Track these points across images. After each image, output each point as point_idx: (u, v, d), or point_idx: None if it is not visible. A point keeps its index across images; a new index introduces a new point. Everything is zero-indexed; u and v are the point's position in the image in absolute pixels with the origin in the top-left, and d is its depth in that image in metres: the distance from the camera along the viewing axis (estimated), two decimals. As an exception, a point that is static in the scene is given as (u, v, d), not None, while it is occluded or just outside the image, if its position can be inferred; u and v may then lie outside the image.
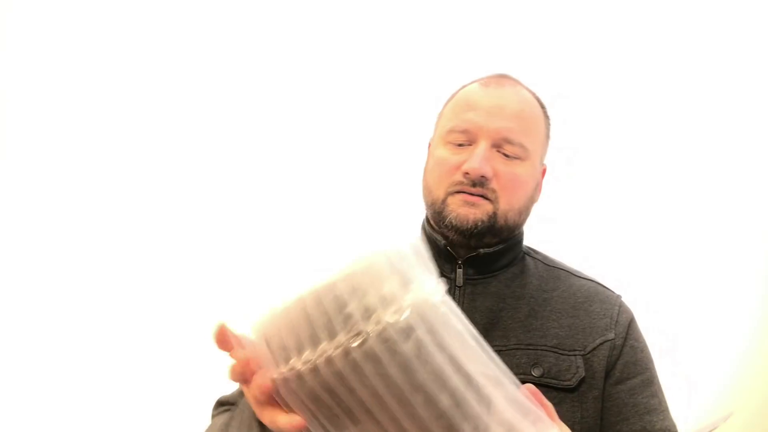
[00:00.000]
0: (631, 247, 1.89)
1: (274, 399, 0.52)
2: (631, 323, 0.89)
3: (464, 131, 0.84)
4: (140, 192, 1.79)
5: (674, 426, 0.85)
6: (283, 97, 1.86)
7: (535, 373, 0.81)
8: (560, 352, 0.83)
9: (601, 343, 0.84)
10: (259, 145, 1.84)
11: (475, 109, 0.84)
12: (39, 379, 1.71)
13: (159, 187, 1.80)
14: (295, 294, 0.50)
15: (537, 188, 0.91)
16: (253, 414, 0.61)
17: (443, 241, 0.87)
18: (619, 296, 0.93)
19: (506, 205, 0.84)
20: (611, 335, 0.85)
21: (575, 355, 0.83)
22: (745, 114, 1.91)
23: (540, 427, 0.54)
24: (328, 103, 1.86)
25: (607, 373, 0.84)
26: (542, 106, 0.91)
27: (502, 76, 0.90)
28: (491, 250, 0.87)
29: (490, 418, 0.51)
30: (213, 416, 0.84)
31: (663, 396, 0.87)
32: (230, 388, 0.87)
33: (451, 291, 0.87)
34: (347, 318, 0.48)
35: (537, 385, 0.79)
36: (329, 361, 0.48)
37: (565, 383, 0.81)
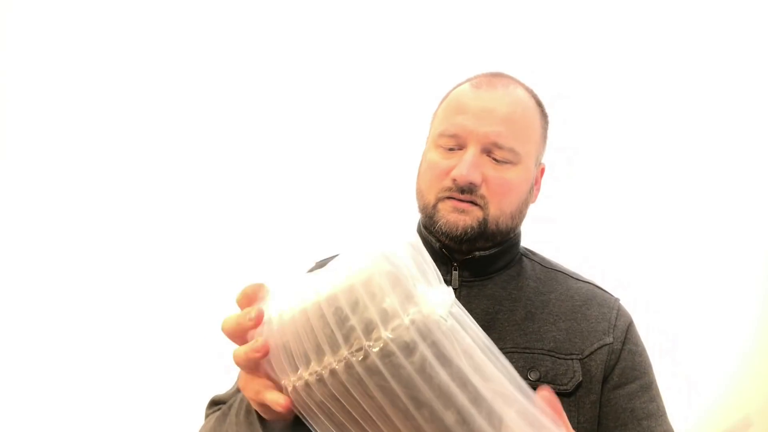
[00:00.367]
0: (631, 247, 1.88)
1: (262, 370, 0.53)
2: (629, 327, 0.88)
3: (453, 135, 0.83)
4: (140, 192, 1.79)
5: (671, 430, 0.84)
6: (283, 96, 1.86)
7: (532, 377, 0.80)
8: (557, 356, 0.82)
9: (598, 348, 0.83)
10: (260, 145, 1.84)
11: (465, 113, 0.82)
12: (39, 378, 1.71)
13: (159, 186, 1.79)
14: (300, 304, 0.50)
15: (532, 190, 0.90)
16: (250, 406, 0.62)
17: (438, 243, 0.86)
18: (617, 299, 0.91)
19: (497, 210, 0.83)
20: (609, 339, 0.84)
21: (572, 359, 0.82)
22: (745, 114, 1.90)
23: None
24: (328, 103, 1.86)
25: (605, 378, 0.83)
26: (539, 104, 0.89)
27: (495, 75, 0.87)
28: (486, 253, 0.86)
29: None
30: (206, 415, 0.84)
31: (661, 401, 0.86)
32: (226, 387, 0.87)
33: None
34: (349, 332, 0.48)
35: (533, 389, 0.79)
36: (333, 373, 0.49)
37: (562, 388, 0.80)
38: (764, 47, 1.89)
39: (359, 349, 0.48)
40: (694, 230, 1.90)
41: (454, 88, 0.90)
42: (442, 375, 0.49)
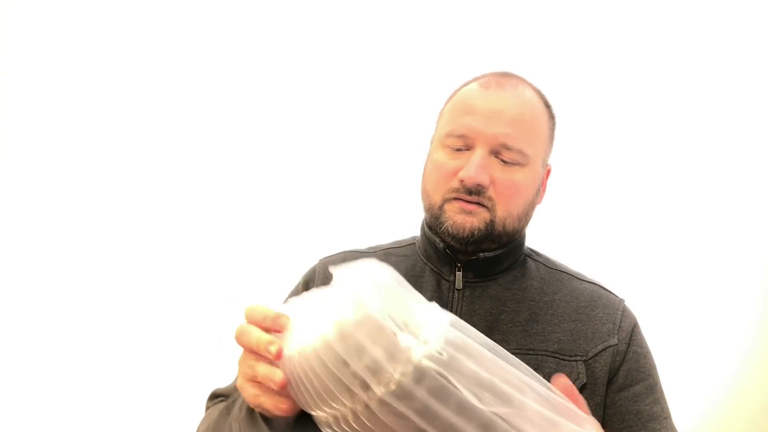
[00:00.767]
0: (631, 247, 1.89)
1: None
2: (634, 329, 0.87)
3: (461, 136, 0.82)
4: (140, 192, 1.78)
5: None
6: (284, 96, 1.85)
7: None
8: (561, 357, 0.82)
9: (603, 349, 0.83)
10: (260, 146, 1.84)
11: (473, 114, 0.81)
12: (39, 378, 1.70)
13: (159, 186, 1.79)
14: (310, 345, 0.52)
15: (539, 191, 0.89)
16: None
17: (442, 244, 0.85)
18: (622, 300, 0.91)
19: (504, 212, 0.82)
20: (614, 341, 0.84)
21: (576, 361, 0.82)
22: (745, 115, 1.90)
23: None
24: (331, 103, 1.86)
25: (610, 380, 0.83)
26: (547, 105, 0.88)
27: (504, 75, 0.86)
28: (491, 254, 0.85)
29: None
30: (207, 408, 0.83)
31: (665, 402, 0.85)
32: (225, 382, 0.87)
33: (450, 294, 0.86)
34: (347, 381, 0.51)
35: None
36: (344, 416, 0.52)
37: None
38: (763, 48, 1.89)
39: (357, 398, 0.51)
40: (694, 231, 1.90)
41: (461, 88, 0.89)
42: (445, 412, 0.50)
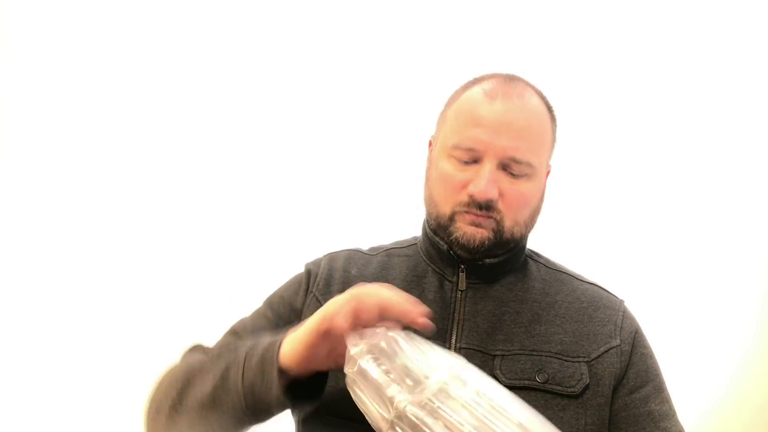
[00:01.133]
0: (631, 247, 1.89)
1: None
2: (637, 330, 0.89)
3: (470, 149, 0.81)
4: (140, 192, 1.78)
5: (684, 429, 0.85)
6: (281, 97, 1.85)
7: (540, 378, 0.81)
8: (564, 358, 0.83)
9: (606, 351, 0.84)
10: (260, 147, 1.84)
11: (481, 126, 0.80)
12: (39, 378, 1.70)
13: (159, 186, 1.79)
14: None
15: (543, 195, 0.90)
16: (269, 355, 0.71)
17: (446, 246, 0.86)
18: (622, 301, 0.92)
19: (512, 222, 0.83)
20: (616, 342, 0.85)
21: (579, 362, 0.83)
22: (745, 115, 1.90)
23: None
24: (327, 103, 1.86)
25: (619, 382, 0.84)
26: (549, 109, 0.88)
27: (509, 81, 0.85)
28: (496, 260, 0.86)
29: None
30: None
31: (671, 400, 0.87)
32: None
33: (453, 294, 0.87)
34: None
35: (541, 391, 0.79)
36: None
37: (570, 390, 0.80)
38: (763, 48, 1.89)
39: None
40: (694, 231, 1.90)
41: (464, 91, 0.87)
42: None
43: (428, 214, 0.88)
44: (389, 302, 0.69)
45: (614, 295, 0.93)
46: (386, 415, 0.61)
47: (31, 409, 1.68)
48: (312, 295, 0.89)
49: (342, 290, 0.86)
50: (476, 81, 0.88)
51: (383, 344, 0.65)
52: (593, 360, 0.83)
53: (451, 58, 1.84)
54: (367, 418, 0.65)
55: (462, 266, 0.87)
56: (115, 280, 1.71)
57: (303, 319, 0.73)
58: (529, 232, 0.89)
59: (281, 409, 0.72)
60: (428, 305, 0.84)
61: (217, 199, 1.80)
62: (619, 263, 1.84)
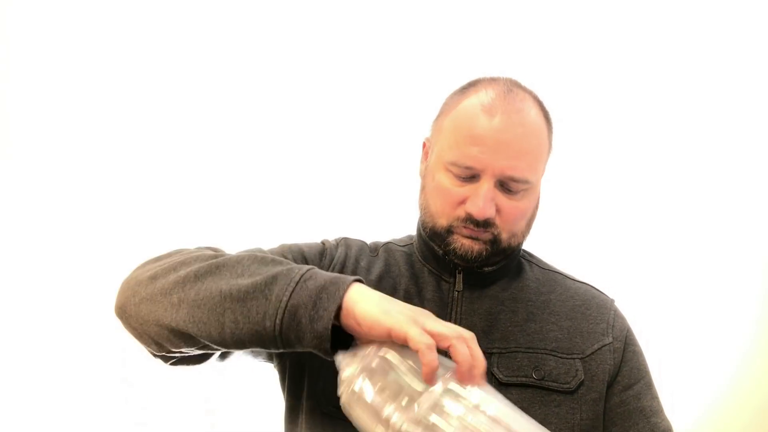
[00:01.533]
0: (631, 247, 1.89)
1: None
2: (629, 329, 0.92)
3: (468, 168, 0.81)
4: (140, 192, 1.79)
5: (670, 424, 0.89)
6: (283, 97, 1.86)
7: (536, 375, 0.82)
8: (559, 355, 0.85)
9: (599, 348, 0.87)
10: (259, 147, 1.84)
11: (479, 145, 0.80)
12: (39, 378, 1.71)
13: (158, 187, 1.80)
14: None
15: (538, 203, 0.91)
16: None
17: (441, 252, 0.87)
18: (613, 300, 0.94)
19: (508, 234, 0.84)
20: (609, 339, 0.88)
21: (574, 359, 0.85)
22: (745, 114, 1.91)
23: None
24: (325, 103, 1.86)
25: (613, 379, 0.87)
26: (547, 117, 0.87)
27: (507, 95, 0.83)
28: (493, 268, 0.88)
29: None
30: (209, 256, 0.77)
31: (659, 396, 0.90)
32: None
33: (450, 294, 0.88)
34: None
35: (537, 387, 0.81)
36: None
37: (565, 386, 0.83)
38: (762, 48, 1.90)
39: None
40: (694, 230, 1.91)
41: (461, 99, 0.86)
42: None
43: (424, 221, 0.88)
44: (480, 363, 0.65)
45: (605, 295, 0.95)
46: None
47: (31, 409, 1.69)
48: None
49: None
50: (473, 87, 0.86)
51: (375, 364, 0.65)
52: (587, 357, 0.85)
53: (446, 55, 1.84)
54: None
55: (459, 269, 0.88)
56: (115, 280, 1.72)
57: None
58: (525, 239, 0.90)
59: (304, 347, 0.68)
60: (426, 304, 0.86)
61: (216, 200, 1.81)
62: (620, 264, 1.85)
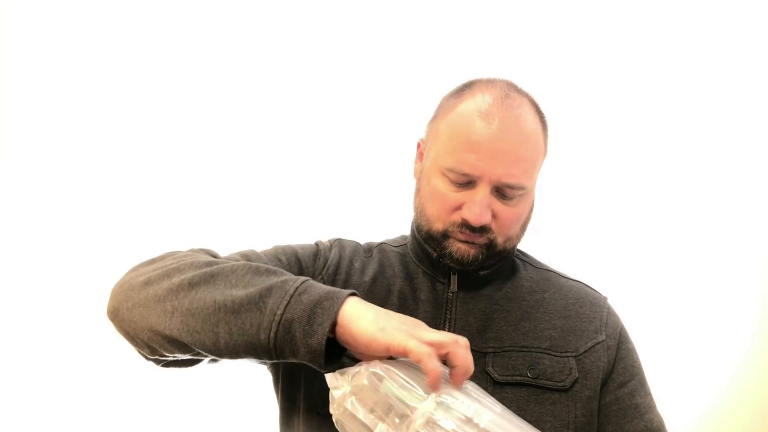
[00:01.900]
0: (632, 247, 1.89)
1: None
2: (622, 326, 0.92)
3: (464, 174, 0.81)
4: (137, 193, 1.80)
5: (663, 420, 0.89)
6: (274, 98, 1.86)
7: (531, 374, 0.82)
8: (554, 353, 0.85)
9: (593, 345, 0.87)
10: (254, 148, 1.84)
11: (476, 152, 0.79)
12: (39, 378, 1.71)
13: (154, 187, 1.80)
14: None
15: (533, 205, 0.91)
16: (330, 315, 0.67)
17: (436, 254, 0.87)
18: (605, 298, 0.94)
19: (504, 238, 0.85)
20: (602, 337, 0.88)
21: (568, 357, 0.85)
22: (745, 114, 1.91)
23: None
24: (319, 104, 1.86)
25: (608, 376, 0.87)
26: (543, 121, 0.87)
27: (504, 100, 0.82)
28: (488, 271, 0.88)
29: None
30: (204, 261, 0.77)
31: (651, 392, 0.91)
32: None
33: (446, 295, 0.88)
34: None
35: (532, 386, 0.81)
36: None
37: (560, 384, 0.83)
38: (762, 48, 1.90)
39: None
40: (694, 230, 1.91)
41: (458, 102, 0.85)
42: None
43: (420, 224, 0.88)
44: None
45: (598, 292, 0.95)
46: None
47: (31, 409, 1.69)
48: (321, 277, 0.89)
49: (345, 281, 0.87)
50: (470, 90, 0.85)
51: (366, 382, 0.65)
52: (581, 354, 0.86)
53: (440, 54, 1.84)
54: None
55: (453, 270, 0.88)
56: (111, 280, 1.72)
57: None
58: (520, 241, 0.90)
59: (298, 359, 0.68)
60: (421, 305, 0.86)
61: (211, 200, 1.81)
62: (620, 265, 1.85)
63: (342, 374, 0.67)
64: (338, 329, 0.67)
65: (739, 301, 1.90)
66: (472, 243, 0.83)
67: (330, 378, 0.68)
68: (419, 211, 0.88)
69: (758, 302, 1.91)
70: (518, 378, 0.82)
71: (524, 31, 1.89)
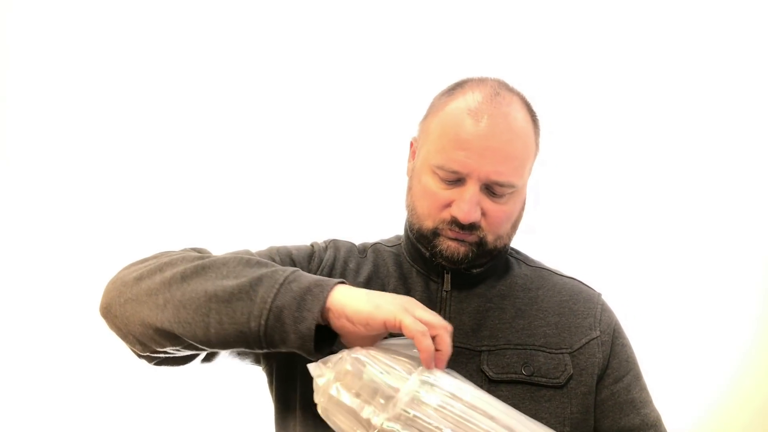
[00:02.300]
0: (632, 247, 1.89)
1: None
2: (616, 322, 0.93)
3: (454, 172, 0.81)
4: (134, 194, 1.80)
5: (659, 414, 0.90)
6: (269, 98, 1.86)
7: (525, 371, 0.83)
8: (548, 350, 0.85)
9: (587, 342, 0.87)
10: (249, 148, 1.85)
11: (466, 150, 0.80)
12: (39, 379, 1.72)
13: (151, 188, 1.80)
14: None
15: (524, 204, 0.91)
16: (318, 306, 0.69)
17: (429, 254, 0.87)
18: (599, 294, 0.95)
19: (494, 237, 0.85)
20: (596, 333, 0.88)
21: (563, 354, 0.86)
22: (745, 113, 1.90)
23: None
24: (313, 104, 1.86)
25: (603, 372, 0.87)
26: (534, 119, 0.87)
27: (495, 97, 0.82)
28: (480, 269, 0.89)
29: None
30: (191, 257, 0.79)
31: (647, 387, 0.92)
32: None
33: (439, 294, 0.88)
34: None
35: (527, 383, 0.81)
36: None
37: (554, 381, 0.83)
38: (762, 48, 1.90)
39: None
40: (694, 230, 1.90)
41: (449, 101, 0.85)
42: None
43: (411, 222, 0.89)
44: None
45: (592, 289, 0.96)
46: None
47: (31, 409, 1.70)
48: None
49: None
50: (461, 89, 0.86)
51: (349, 367, 0.66)
52: (575, 351, 0.86)
53: (433, 53, 1.84)
54: None
55: (447, 269, 0.88)
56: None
57: None
58: (511, 240, 0.91)
59: (288, 347, 0.70)
60: None
61: (208, 201, 1.82)
62: (620, 264, 1.85)
63: (324, 363, 0.68)
64: (330, 315, 0.69)
65: (739, 300, 1.90)
66: (462, 241, 0.83)
67: (313, 367, 0.69)
68: (411, 210, 0.88)
69: (758, 302, 1.90)
70: (513, 376, 0.82)
71: (518, 31, 1.89)
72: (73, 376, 1.72)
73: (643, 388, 0.89)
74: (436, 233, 0.84)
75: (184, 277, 0.73)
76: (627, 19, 1.90)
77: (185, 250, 0.83)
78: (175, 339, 0.72)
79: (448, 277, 0.88)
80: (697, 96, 1.90)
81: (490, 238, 0.84)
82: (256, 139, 1.85)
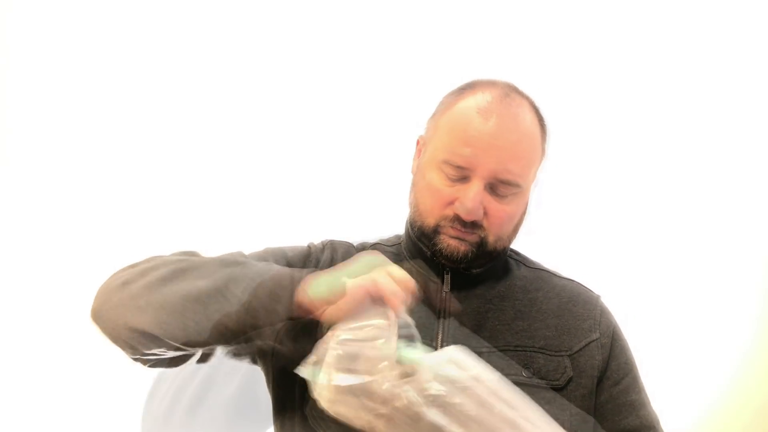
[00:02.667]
0: (632, 247, 1.89)
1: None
2: (615, 324, 0.94)
3: (459, 167, 0.82)
4: (132, 195, 1.80)
5: (657, 416, 0.91)
6: (268, 97, 1.86)
7: (525, 374, 0.83)
8: (548, 353, 0.86)
9: (587, 344, 0.88)
10: (247, 148, 1.84)
11: (472, 146, 0.81)
12: (38, 379, 1.72)
13: (149, 189, 1.80)
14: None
15: (526, 208, 0.91)
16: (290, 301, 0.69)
17: (429, 253, 0.87)
18: (598, 297, 0.96)
19: (495, 237, 0.86)
20: (596, 335, 0.89)
21: (562, 356, 0.86)
22: (746, 114, 1.90)
23: None
24: (315, 102, 1.86)
25: (602, 374, 0.88)
26: (542, 123, 0.88)
27: (504, 98, 0.83)
28: (481, 270, 0.89)
29: None
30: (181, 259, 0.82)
31: (645, 389, 0.93)
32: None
33: (439, 295, 0.88)
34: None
35: (527, 385, 0.81)
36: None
37: (554, 383, 0.83)
38: (762, 47, 1.90)
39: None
40: (694, 230, 1.90)
41: (458, 100, 0.86)
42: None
43: (413, 219, 0.89)
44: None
45: (591, 291, 0.97)
46: (382, 410, 0.62)
47: (31, 409, 1.70)
48: None
49: None
50: (471, 89, 0.87)
51: (340, 351, 0.65)
52: (575, 353, 0.87)
53: (441, 54, 1.84)
54: (359, 428, 0.66)
55: (447, 269, 0.88)
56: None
57: None
58: (511, 242, 0.91)
59: (264, 339, 0.71)
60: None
61: (216, 201, 1.82)
62: (620, 265, 1.84)
63: (313, 362, 0.68)
64: (308, 303, 0.69)
65: (739, 300, 1.90)
66: (463, 239, 0.83)
67: (304, 371, 0.68)
68: (413, 207, 0.89)
69: (758, 302, 1.90)
70: (513, 378, 0.81)
71: (525, 34, 1.89)
72: (73, 376, 1.72)
73: (641, 390, 0.90)
74: (437, 230, 0.85)
75: (164, 280, 0.74)
76: (630, 24, 1.90)
77: (175, 254, 0.84)
78: (157, 340, 0.73)
79: (448, 278, 0.88)
80: (697, 97, 1.90)
81: (490, 238, 0.84)
82: (256, 139, 1.85)
